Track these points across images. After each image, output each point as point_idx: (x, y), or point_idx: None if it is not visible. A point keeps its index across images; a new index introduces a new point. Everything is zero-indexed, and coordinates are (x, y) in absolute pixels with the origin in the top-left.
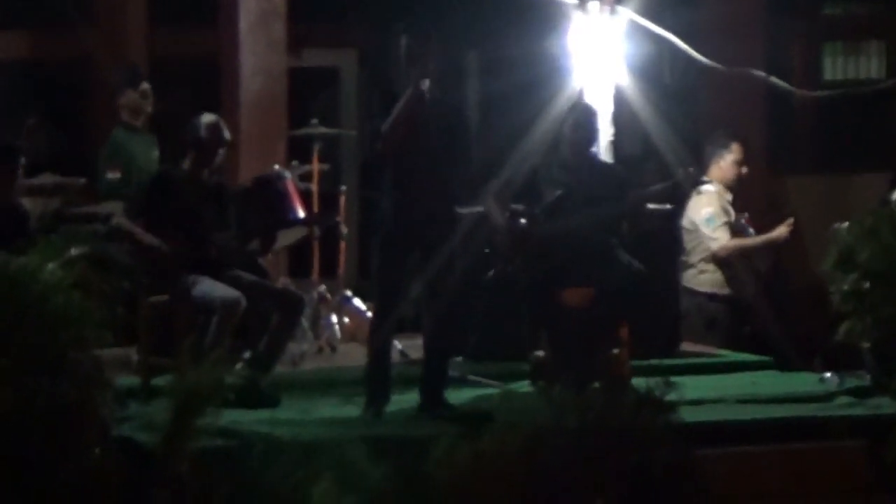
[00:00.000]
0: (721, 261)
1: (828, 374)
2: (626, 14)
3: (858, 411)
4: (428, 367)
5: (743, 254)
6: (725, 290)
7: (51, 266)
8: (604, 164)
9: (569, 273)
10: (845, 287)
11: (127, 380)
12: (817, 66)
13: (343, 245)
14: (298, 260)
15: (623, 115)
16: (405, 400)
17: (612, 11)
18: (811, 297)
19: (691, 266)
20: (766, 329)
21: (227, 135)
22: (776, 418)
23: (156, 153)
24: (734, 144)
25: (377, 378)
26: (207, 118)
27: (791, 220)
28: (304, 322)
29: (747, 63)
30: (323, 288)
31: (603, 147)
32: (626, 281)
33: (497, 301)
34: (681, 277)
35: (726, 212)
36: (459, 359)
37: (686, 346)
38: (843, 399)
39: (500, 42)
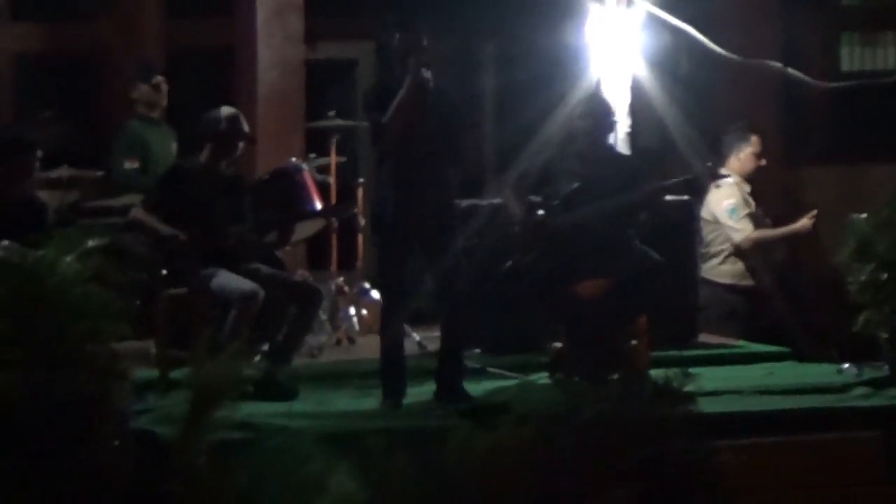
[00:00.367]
0: (742, 252)
1: (845, 365)
2: (643, 5)
3: (876, 402)
4: (442, 357)
5: (763, 245)
6: (745, 282)
7: (68, 259)
8: (620, 156)
9: (585, 264)
10: (862, 278)
11: (144, 372)
12: (834, 56)
13: (360, 237)
14: (316, 252)
15: (640, 107)
16: (423, 392)
17: (629, 3)
18: (828, 287)
19: (711, 257)
20: (784, 320)
21: (246, 128)
22: (794, 409)
23: (173, 145)
24: (754, 137)
25: (392, 372)
26: (227, 111)
27: (814, 213)
28: (322, 314)
29: (763, 54)
30: (341, 280)
31: (620, 139)
32: (643, 272)
33: (514, 293)
34: (699, 269)
35: (747, 203)
36: (477, 351)
37: (704, 337)
38: (861, 390)
39: (516, 34)
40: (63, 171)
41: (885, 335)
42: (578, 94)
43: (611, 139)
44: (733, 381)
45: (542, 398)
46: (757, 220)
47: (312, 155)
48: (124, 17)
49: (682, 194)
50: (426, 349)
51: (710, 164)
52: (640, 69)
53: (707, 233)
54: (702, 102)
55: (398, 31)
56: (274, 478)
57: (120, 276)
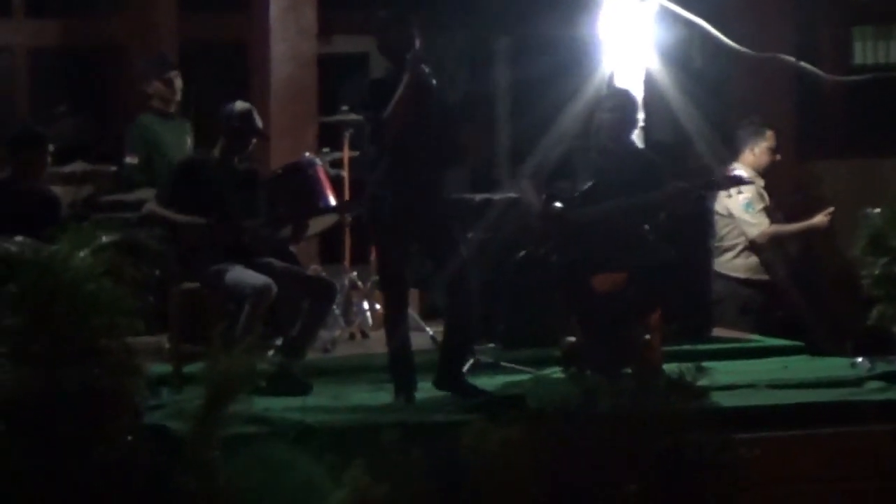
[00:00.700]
0: (757, 246)
1: (859, 359)
2: None
3: (890, 396)
4: (446, 352)
5: (777, 239)
6: (759, 276)
7: (82, 254)
8: (641, 152)
9: (600, 258)
10: (876, 272)
11: (158, 367)
12: (847, 50)
13: None
14: (329, 247)
15: (653, 101)
16: None
17: None
18: (842, 281)
19: (724, 251)
20: (799, 314)
21: (259, 124)
22: (807, 403)
23: (188, 139)
24: (769, 132)
25: (401, 369)
26: (241, 106)
27: (831, 210)
28: (336, 309)
29: (777, 48)
30: (354, 274)
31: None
32: (658, 266)
33: (528, 286)
34: (713, 263)
35: (762, 197)
36: (491, 345)
37: (718, 332)
38: (875, 384)
39: (531, 27)
40: (77, 166)
41: None
42: (593, 87)
43: (632, 135)
44: (747, 375)
45: (555, 392)
46: (770, 213)
47: (326, 149)
48: (138, 12)
49: (704, 195)
50: (440, 343)
51: (735, 173)
52: (654, 63)
53: (721, 227)
54: (715, 96)
55: (393, 27)
56: (288, 472)
57: (134, 270)
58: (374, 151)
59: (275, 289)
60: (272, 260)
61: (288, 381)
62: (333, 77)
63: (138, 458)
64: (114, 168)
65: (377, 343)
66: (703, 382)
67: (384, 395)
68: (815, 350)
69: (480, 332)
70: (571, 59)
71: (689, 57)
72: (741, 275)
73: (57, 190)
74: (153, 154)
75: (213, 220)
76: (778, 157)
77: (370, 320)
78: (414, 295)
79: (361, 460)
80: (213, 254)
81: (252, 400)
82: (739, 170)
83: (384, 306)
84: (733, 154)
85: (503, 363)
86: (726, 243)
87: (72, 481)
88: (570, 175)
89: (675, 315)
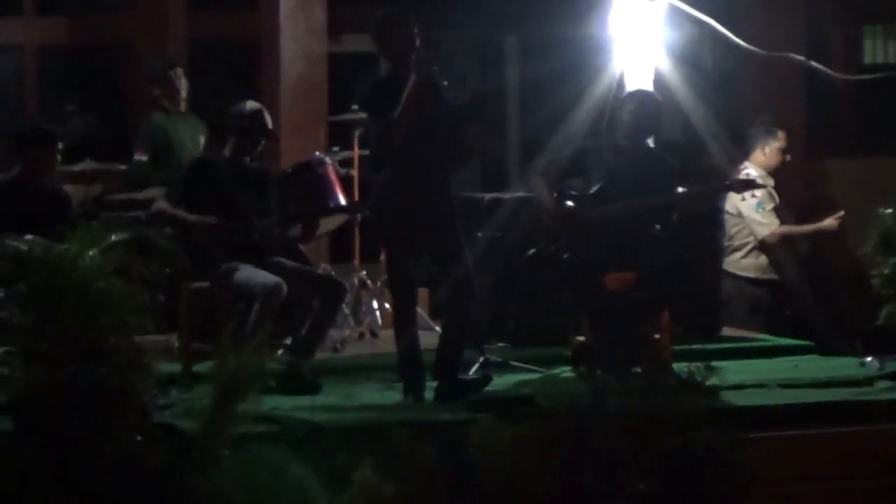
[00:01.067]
0: (766, 246)
1: (868, 358)
2: None
3: None
4: (443, 355)
5: (787, 239)
6: (769, 275)
7: (91, 252)
8: (653, 151)
9: (611, 256)
10: (886, 271)
11: (168, 366)
12: (857, 49)
13: None
14: (339, 246)
15: (663, 100)
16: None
17: None
18: (852, 281)
19: (734, 251)
20: (808, 313)
21: (269, 124)
22: (817, 402)
23: (201, 137)
24: (780, 132)
25: (410, 368)
26: (251, 105)
27: (841, 214)
28: (345, 308)
29: (787, 47)
30: (364, 274)
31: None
32: (669, 265)
33: (538, 285)
34: (723, 262)
35: (772, 197)
36: (501, 344)
37: (727, 331)
38: (884, 383)
39: (541, 26)
40: (87, 165)
41: None
42: (610, 86)
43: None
44: (757, 374)
45: (565, 392)
46: (780, 213)
47: (335, 148)
48: (147, 10)
49: (717, 197)
50: None
51: (751, 178)
52: (664, 62)
53: (731, 226)
54: (725, 95)
55: (391, 27)
56: (298, 471)
57: (143, 269)
58: (379, 152)
59: (285, 288)
60: (282, 259)
61: (297, 381)
62: (343, 76)
63: (147, 456)
64: (123, 166)
65: (387, 342)
66: (712, 382)
67: (393, 395)
68: (824, 349)
69: (490, 331)
70: (581, 59)
71: (698, 56)
72: (751, 274)
73: (66, 188)
74: (164, 152)
75: (222, 218)
76: (788, 157)
77: (380, 319)
78: (422, 294)
79: (370, 459)
80: (224, 253)
81: (261, 399)
82: (750, 169)
83: (392, 307)
84: (744, 153)
85: (513, 362)
86: (736, 243)
87: (80, 480)
88: (581, 174)
89: (684, 314)
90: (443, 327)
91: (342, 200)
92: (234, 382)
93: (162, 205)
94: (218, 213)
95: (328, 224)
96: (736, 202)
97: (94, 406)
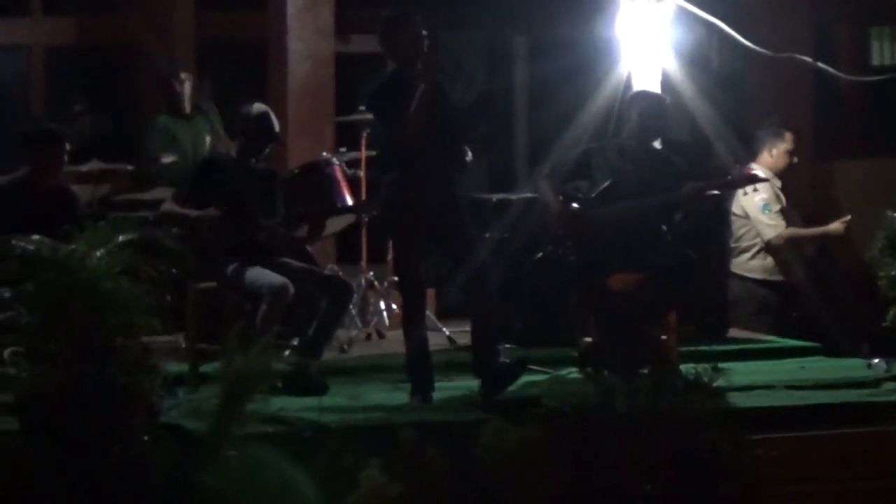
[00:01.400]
0: (773, 248)
1: (875, 360)
2: None
3: None
4: (478, 352)
5: (794, 241)
6: (775, 276)
7: (99, 252)
8: (661, 153)
9: (617, 258)
10: (893, 272)
11: (175, 366)
12: (864, 50)
13: None
14: (347, 246)
15: (670, 101)
16: (452, 386)
17: None
18: (859, 282)
19: (741, 252)
20: (815, 314)
21: (276, 127)
22: (824, 404)
23: (207, 138)
24: (788, 134)
25: (419, 369)
26: (258, 108)
27: (847, 218)
28: (353, 308)
29: (794, 48)
30: (371, 274)
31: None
32: (675, 266)
33: (545, 286)
34: (730, 263)
35: (779, 198)
36: (508, 345)
37: (734, 332)
38: (891, 384)
39: (549, 27)
40: (94, 165)
41: None
42: (618, 87)
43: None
44: (764, 375)
45: (572, 393)
46: (786, 214)
47: (343, 149)
48: (155, 10)
49: (721, 195)
50: (456, 343)
51: (752, 172)
52: (671, 63)
53: (737, 227)
54: (732, 96)
55: (397, 27)
56: (305, 472)
57: (150, 269)
58: (387, 154)
59: (292, 289)
60: (289, 260)
61: (304, 381)
62: (351, 76)
63: (154, 457)
64: (130, 167)
65: (394, 343)
66: (719, 383)
67: (400, 395)
68: (831, 351)
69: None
70: (589, 59)
71: (706, 57)
72: (757, 275)
73: (74, 189)
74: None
75: (229, 218)
76: (795, 159)
77: (387, 320)
78: (430, 295)
79: (377, 460)
80: (231, 253)
81: (268, 400)
82: (757, 170)
83: (402, 306)
84: (751, 155)
85: None
86: (743, 244)
87: (88, 480)
88: (587, 176)
89: (691, 315)
90: (472, 324)
91: (349, 201)
92: (241, 383)
93: (169, 205)
94: (225, 213)
95: (335, 224)
96: (742, 203)
97: (102, 406)
